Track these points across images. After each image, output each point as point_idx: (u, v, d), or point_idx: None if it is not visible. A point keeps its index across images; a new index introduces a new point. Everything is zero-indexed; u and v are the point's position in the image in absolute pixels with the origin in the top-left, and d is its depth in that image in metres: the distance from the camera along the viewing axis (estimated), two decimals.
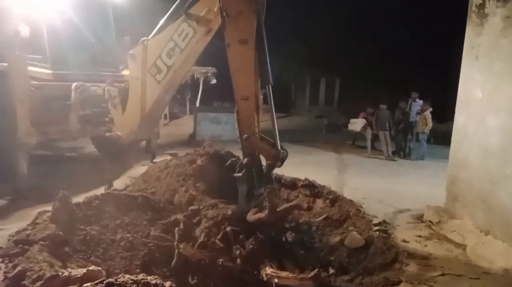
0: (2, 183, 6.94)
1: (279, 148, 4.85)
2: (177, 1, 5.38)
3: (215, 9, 4.89)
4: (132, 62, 5.92)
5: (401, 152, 13.09)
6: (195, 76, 18.56)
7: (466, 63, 6.28)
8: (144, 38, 5.75)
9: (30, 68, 7.40)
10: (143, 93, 5.82)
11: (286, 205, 5.47)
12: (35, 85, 7.44)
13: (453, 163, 6.50)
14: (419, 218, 6.63)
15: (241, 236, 4.78)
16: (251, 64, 4.74)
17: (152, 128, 7.18)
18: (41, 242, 4.50)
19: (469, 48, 6.20)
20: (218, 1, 4.74)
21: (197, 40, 5.25)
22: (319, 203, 7.26)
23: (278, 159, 4.79)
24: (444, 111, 10.87)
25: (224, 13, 4.67)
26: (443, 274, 4.70)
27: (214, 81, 18.93)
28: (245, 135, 4.82)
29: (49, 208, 5.42)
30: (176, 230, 5.05)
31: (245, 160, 4.89)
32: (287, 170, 8.12)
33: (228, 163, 5.57)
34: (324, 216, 6.66)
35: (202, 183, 6.44)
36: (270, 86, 4.85)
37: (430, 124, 12.61)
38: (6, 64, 6.92)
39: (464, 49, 6.30)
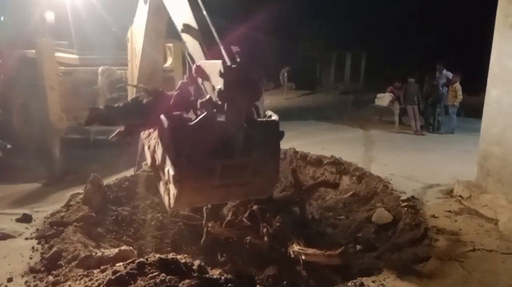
0: (37, 167, 7.18)
1: None
2: None
3: None
4: (128, 45, 5.68)
5: (430, 126, 12.77)
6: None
7: (499, 33, 5.99)
8: None
9: (57, 54, 7.50)
10: (133, 79, 5.43)
11: (312, 183, 5.47)
12: (63, 71, 7.57)
13: (485, 137, 6.29)
14: (449, 193, 6.50)
15: (267, 214, 4.82)
16: None
17: None
18: (75, 224, 4.68)
19: (502, 16, 5.91)
20: None
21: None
22: (346, 180, 7.22)
23: None
24: (476, 83, 10.47)
25: None
26: (474, 250, 4.62)
27: None
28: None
29: (81, 190, 5.60)
30: (204, 209, 5.14)
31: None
32: (313, 148, 8.11)
33: None
34: (351, 192, 6.64)
35: None
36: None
37: (460, 96, 12.16)
38: (34, 51, 7.06)
39: (496, 18, 6.01)
